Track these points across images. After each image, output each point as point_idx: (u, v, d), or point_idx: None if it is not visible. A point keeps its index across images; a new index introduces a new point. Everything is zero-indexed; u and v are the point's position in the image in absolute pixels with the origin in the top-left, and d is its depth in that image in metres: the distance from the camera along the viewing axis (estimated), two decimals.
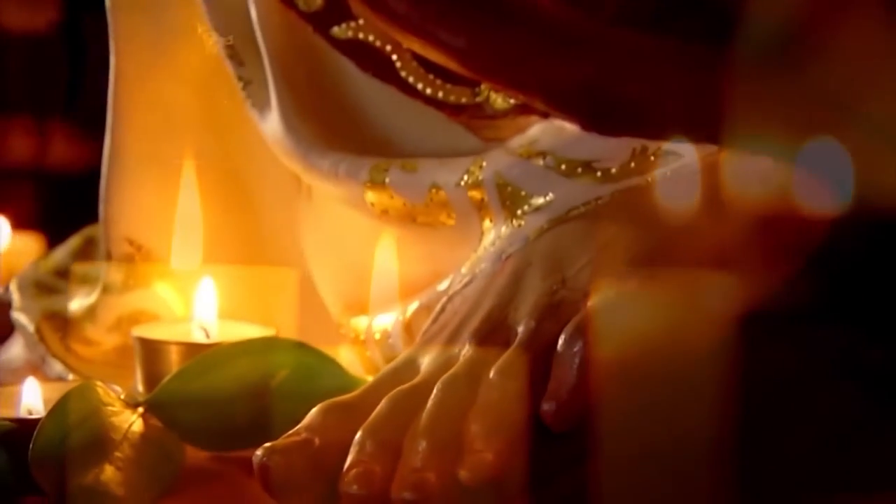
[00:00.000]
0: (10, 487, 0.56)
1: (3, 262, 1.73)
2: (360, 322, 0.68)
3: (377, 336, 0.67)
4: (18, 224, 1.83)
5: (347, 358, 0.69)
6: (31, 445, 0.55)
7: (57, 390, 0.59)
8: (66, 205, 1.97)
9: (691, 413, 0.60)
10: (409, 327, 0.65)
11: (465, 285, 0.61)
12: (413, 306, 0.65)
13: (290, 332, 0.66)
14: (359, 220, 0.67)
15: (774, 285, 0.58)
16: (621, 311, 0.54)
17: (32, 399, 0.60)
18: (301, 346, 0.63)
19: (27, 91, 2.22)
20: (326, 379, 0.63)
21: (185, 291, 0.75)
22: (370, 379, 0.61)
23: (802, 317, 0.64)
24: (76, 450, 0.56)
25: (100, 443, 0.57)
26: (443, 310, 0.61)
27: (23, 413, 0.59)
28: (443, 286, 0.64)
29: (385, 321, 0.67)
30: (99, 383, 0.60)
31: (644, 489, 0.56)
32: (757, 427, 0.62)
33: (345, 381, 0.63)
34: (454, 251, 0.64)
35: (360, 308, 0.69)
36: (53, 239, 1.57)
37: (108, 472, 0.56)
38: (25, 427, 0.56)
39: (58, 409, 0.57)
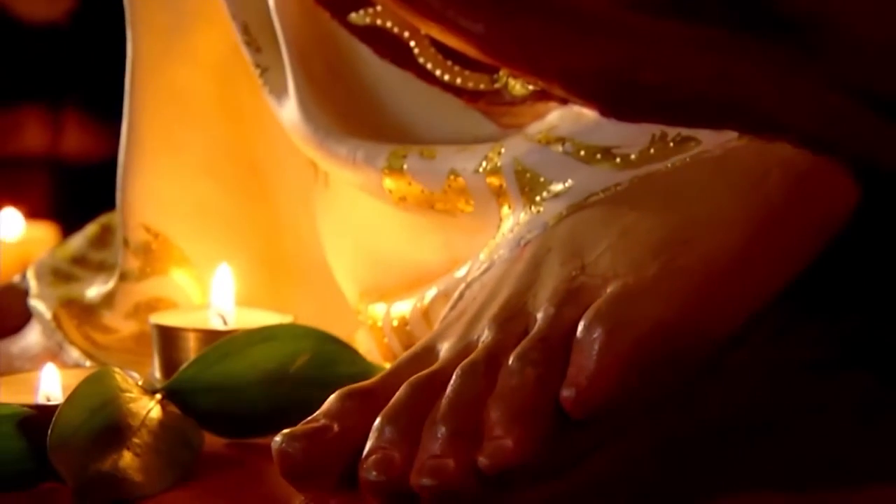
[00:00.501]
0: (28, 473, 0.56)
1: (17, 251, 1.74)
2: (378, 309, 0.68)
3: (395, 323, 0.67)
4: (33, 214, 1.84)
5: (365, 345, 0.69)
6: (49, 432, 0.55)
7: (75, 377, 0.59)
8: (79, 194, 1.97)
9: (711, 400, 0.60)
10: (426, 314, 0.65)
11: (484, 272, 0.61)
12: (431, 293, 0.65)
13: (307, 319, 0.66)
14: (376, 207, 0.67)
15: (796, 270, 0.57)
16: (641, 297, 0.53)
17: (51, 385, 0.60)
18: (319, 333, 0.63)
19: (42, 80, 2.22)
20: (344, 366, 0.63)
21: (202, 279, 0.75)
22: (388, 366, 0.61)
23: (823, 303, 0.64)
24: (94, 436, 0.56)
25: (118, 429, 0.57)
26: (461, 296, 0.61)
27: (41, 399, 0.59)
28: (461, 273, 0.63)
29: (403, 308, 0.67)
30: (117, 370, 0.60)
31: (664, 476, 0.56)
32: (775, 413, 0.62)
33: (362, 367, 0.63)
34: (472, 238, 0.64)
35: (378, 295, 0.69)
36: (67, 228, 1.57)
37: (127, 458, 0.56)
38: (44, 413, 0.56)
39: (76, 396, 0.57)
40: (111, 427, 0.57)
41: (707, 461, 0.58)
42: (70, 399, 0.56)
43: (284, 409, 0.61)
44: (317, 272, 0.75)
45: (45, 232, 1.81)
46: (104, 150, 2.19)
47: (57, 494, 0.56)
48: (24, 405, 0.58)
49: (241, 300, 0.69)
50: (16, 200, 1.81)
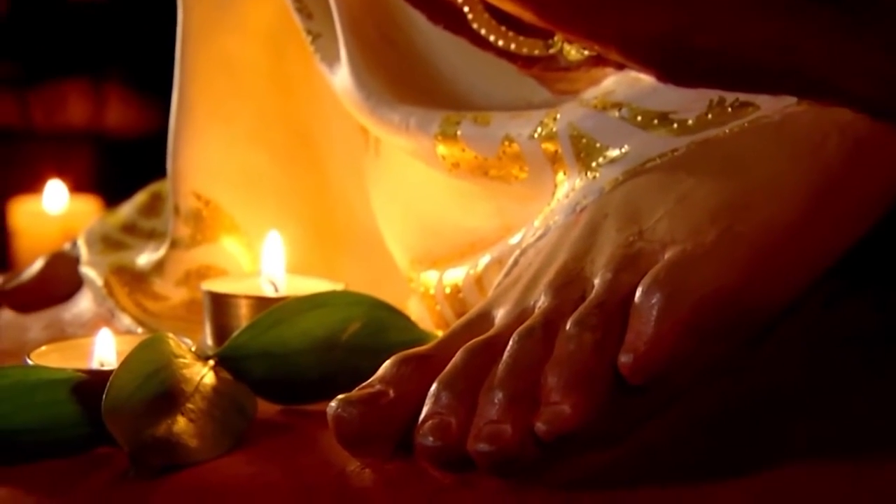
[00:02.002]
0: (83, 438, 0.56)
1: (62, 223, 1.74)
2: (430, 276, 0.68)
3: (447, 290, 0.67)
4: (76, 187, 1.84)
5: (416, 313, 0.69)
6: (103, 397, 0.55)
7: (129, 343, 0.59)
8: (121, 168, 1.98)
9: (761, 369, 0.60)
10: (480, 281, 0.65)
11: (539, 238, 0.60)
12: (484, 260, 0.65)
13: (357, 287, 0.65)
14: (428, 174, 0.67)
15: (854, 237, 0.57)
16: (700, 263, 0.53)
17: (105, 351, 0.60)
18: (371, 300, 0.63)
19: (84, 55, 2.22)
20: (396, 333, 0.62)
21: (252, 246, 0.75)
22: (440, 334, 0.60)
23: (871, 275, 0.64)
24: (149, 401, 0.56)
25: (172, 394, 0.57)
26: (516, 263, 0.61)
27: (95, 365, 0.59)
28: (515, 240, 0.63)
29: (456, 275, 0.66)
30: (170, 335, 0.59)
31: (716, 444, 0.56)
32: (823, 383, 0.61)
33: (414, 335, 0.63)
34: (525, 205, 0.63)
35: (430, 262, 0.69)
36: (109, 201, 1.58)
37: (181, 424, 0.56)
38: (98, 378, 0.56)
39: (130, 361, 0.57)
40: (165, 392, 0.57)
41: (758, 430, 0.57)
42: (124, 364, 0.56)
43: (336, 376, 0.61)
44: (367, 240, 0.74)
45: (88, 205, 1.82)
46: (146, 123, 2.20)
47: (111, 459, 0.56)
48: (78, 370, 0.58)
49: (291, 268, 0.69)
50: (61, 173, 1.82)
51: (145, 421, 0.55)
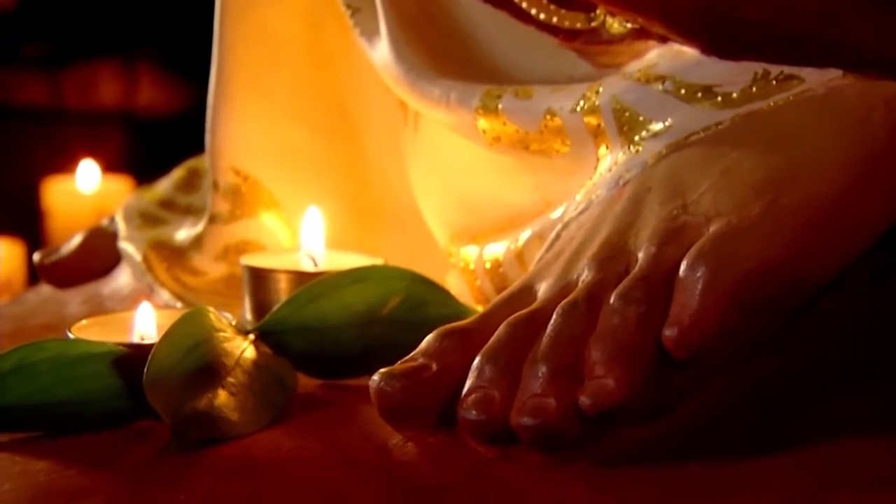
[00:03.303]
0: (123, 411, 0.56)
1: (94, 202, 1.75)
2: (470, 251, 0.68)
3: (488, 265, 0.66)
4: (108, 167, 1.85)
5: (456, 287, 0.69)
6: (145, 370, 0.55)
7: (169, 317, 0.59)
8: (153, 147, 1.98)
9: (805, 342, 0.59)
10: (521, 256, 0.65)
11: (581, 212, 0.60)
12: (525, 235, 0.64)
13: (396, 262, 0.65)
14: (467, 148, 0.66)
15: None
16: (745, 236, 0.53)
17: (146, 325, 0.60)
18: (411, 274, 0.62)
19: (116, 36, 2.22)
20: (436, 307, 0.62)
21: (291, 222, 0.74)
22: (480, 308, 0.60)
23: None
24: (190, 375, 0.56)
25: (213, 368, 0.57)
26: (558, 237, 0.60)
27: (136, 339, 0.59)
28: (556, 214, 0.63)
29: (496, 250, 0.66)
30: (211, 309, 0.59)
31: (760, 418, 0.56)
32: (867, 356, 0.61)
33: (455, 309, 0.62)
34: (566, 180, 0.63)
35: (469, 237, 0.68)
36: (141, 181, 1.58)
37: (222, 397, 0.56)
38: (139, 352, 0.56)
39: (171, 334, 0.57)
40: (206, 366, 0.57)
41: (801, 404, 0.57)
42: (165, 338, 0.56)
43: (376, 350, 0.60)
44: (406, 215, 0.74)
45: (120, 184, 1.83)
46: (177, 103, 2.20)
47: (152, 432, 0.56)
48: (119, 344, 0.58)
49: (330, 243, 0.69)
50: (93, 153, 1.83)
51: (186, 394, 0.55)
